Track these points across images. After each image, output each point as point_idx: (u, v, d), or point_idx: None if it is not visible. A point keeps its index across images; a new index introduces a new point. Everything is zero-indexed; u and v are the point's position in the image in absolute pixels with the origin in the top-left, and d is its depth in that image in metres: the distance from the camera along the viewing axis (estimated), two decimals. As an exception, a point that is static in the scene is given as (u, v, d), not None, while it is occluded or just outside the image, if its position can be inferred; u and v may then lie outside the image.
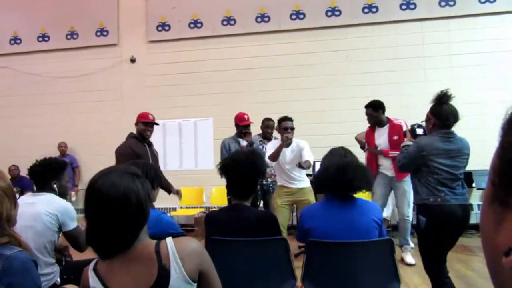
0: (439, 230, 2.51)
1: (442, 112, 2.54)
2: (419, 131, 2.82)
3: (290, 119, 4.17)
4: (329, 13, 6.52)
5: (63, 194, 2.46)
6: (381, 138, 4.41)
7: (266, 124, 4.64)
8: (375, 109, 4.40)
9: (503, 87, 5.91)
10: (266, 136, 4.64)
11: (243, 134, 4.33)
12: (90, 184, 1.20)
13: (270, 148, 4.19)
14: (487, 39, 6.11)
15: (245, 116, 4.40)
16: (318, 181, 2.07)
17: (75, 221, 2.34)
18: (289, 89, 6.52)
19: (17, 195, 1.46)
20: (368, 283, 1.94)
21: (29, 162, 2.47)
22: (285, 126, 4.08)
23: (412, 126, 2.93)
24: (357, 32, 6.47)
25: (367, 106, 4.46)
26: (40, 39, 7.38)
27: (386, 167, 4.38)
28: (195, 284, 1.23)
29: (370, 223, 1.95)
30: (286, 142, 3.94)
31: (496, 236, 0.41)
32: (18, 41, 7.47)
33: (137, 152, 3.83)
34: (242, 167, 2.03)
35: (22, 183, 6.19)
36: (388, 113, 4.48)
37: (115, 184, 1.17)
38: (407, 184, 4.18)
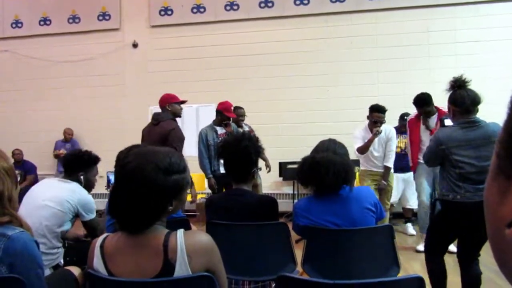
0: (450, 225, 2.43)
1: (456, 97, 2.39)
2: (448, 122, 2.67)
3: (382, 111, 4.11)
4: (334, -1, 6.44)
5: (88, 186, 2.56)
6: (427, 133, 4.07)
7: (238, 113, 4.66)
8: (428, 105, 4.04)
9: (508, 75, 5.84)
10: (238, 124, 4.68)
11: (225, 125, 4.39)
12: (122, 163, 1.25)
13: (358, 138, 4.20)
14: (493, 26, 6.03)
15: (232, 108, 4.46)
16: (297, 175, 2.04)
17: (93, 212, 2.45)
18: (292, 76, 6.47)
19: (19, 178, 1.47)
20: (368, 269, 1.94)
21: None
22: (376, 119, 4.09)
23: (442, 118, 2.80)
24: (362, 18, 6.39)
25: (420, 105, 4.06)
26: (42, 23, 7.32)
27: None
28: None
29: (363, 213, 1.91)
30: (376, 136, 4.03)
31: (500, 208, 0.41)
32: (19, 25, 7.41)
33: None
34: (232, 151, 2.05)
35: (25, 167, 6.22)
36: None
37: (147, 175, 1.18)
38: None
